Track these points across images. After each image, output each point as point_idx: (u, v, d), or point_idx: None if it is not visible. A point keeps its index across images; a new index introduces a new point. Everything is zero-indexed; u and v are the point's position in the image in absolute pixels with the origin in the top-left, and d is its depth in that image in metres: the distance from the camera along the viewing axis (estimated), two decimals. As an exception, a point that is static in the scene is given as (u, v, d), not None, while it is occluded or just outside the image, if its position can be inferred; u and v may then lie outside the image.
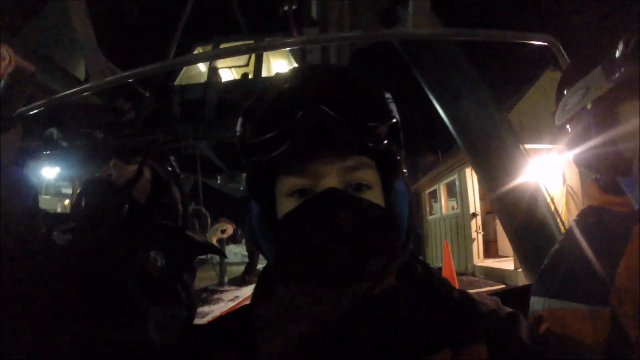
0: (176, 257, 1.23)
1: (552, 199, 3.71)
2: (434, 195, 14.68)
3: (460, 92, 3.46)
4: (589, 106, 0.91)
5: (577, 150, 0.96)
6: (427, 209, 15.25)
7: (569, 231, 0.92)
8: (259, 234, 0.73)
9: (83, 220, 1.24)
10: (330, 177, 0.66)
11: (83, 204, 1.28)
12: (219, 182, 7.13)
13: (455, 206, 12.37)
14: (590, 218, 0.92)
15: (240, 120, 0.73)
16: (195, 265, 1.35)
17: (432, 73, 3.57)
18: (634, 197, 0.84)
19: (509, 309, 0.72)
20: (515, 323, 0.70)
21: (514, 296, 1.50)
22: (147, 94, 6.08)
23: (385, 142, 0.70)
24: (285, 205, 0.68)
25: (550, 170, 8.12)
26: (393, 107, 0.72)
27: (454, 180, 11.82)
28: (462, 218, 11.27)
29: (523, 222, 3.61)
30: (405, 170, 0.76)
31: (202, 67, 6.73)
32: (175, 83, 6.26)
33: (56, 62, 4.05)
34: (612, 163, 0.90)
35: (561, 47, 1.76)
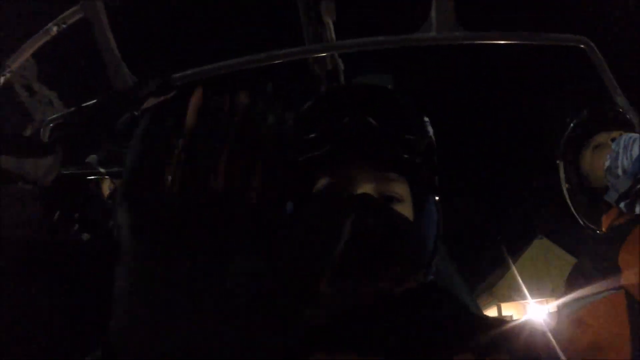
0: None
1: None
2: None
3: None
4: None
5: None
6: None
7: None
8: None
9: None
10: (365, 184, 0.69)
11: None
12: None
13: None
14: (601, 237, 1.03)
15: (293, 120, 0.78)
16: None
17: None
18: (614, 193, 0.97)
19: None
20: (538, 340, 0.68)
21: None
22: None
23: (420, 159, 0.72)
24: None
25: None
26: (430, 129, 0.77)
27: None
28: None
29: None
30: (436, 193, 0.78)
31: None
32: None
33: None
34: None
35: (595, 48, 1.67)
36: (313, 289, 0.67)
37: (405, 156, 0.71)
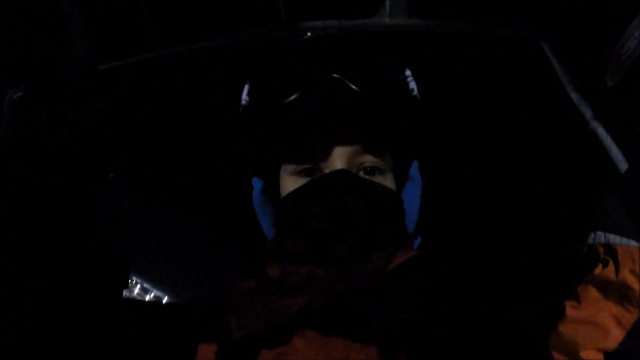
0: None
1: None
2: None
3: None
4: None
5: None
6: None
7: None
8: (259, 212, 0.69)
9: None
10: (341, 158, 0.60)
11: None
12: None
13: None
14: None
15: (246, 87, 0.67)
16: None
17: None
18: None
19: None
20: None
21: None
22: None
23: (401, 121, 0.63)
24: (291, 184, 0.62)
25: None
26: (412, 84, 0.67)
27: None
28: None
29: None
30: (421, 157, 0.71)
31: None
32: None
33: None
34: None
35: (550, 45, 1.62)
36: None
37: (386, 122, 0.61)
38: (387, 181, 0.63)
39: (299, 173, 0.63)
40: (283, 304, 0.55)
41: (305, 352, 0.51)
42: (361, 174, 0.61)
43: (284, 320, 0.54)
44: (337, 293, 0.56)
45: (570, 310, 0.67)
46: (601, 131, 1.17)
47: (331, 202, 0.57)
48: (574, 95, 1.29)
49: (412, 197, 0.68)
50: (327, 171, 0.60)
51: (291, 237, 0.60)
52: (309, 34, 1.47)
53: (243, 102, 0.66)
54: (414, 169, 0.70)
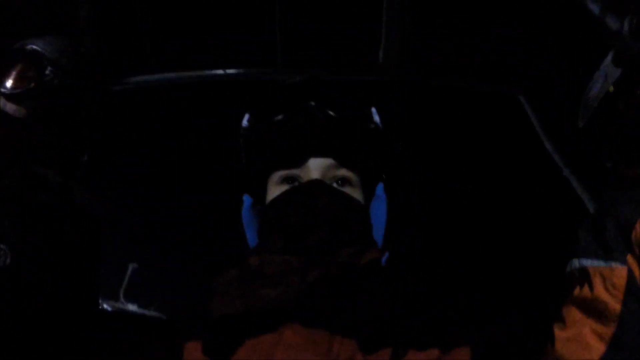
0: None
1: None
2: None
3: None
4: (611, 89, 0.84)
5: None
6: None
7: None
8: (246, 224, 0.81)
9: None
10: (317, 170, 0.73)
11: None
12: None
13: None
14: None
15: (247, 116, 0.82)
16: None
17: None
18: None
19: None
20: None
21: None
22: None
23: (366, 143, 0.77)
24: (274, 191, 0.75)
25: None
26: (377, 118, 0.81)
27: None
28: None
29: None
30: (384, 179, 0.83)
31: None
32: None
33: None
34: None
35: (528, 100, 1.76)
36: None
37: (353, 141, 0.75)
38: (356, 193, 0.76)
39: (282, 182, 0.75)
40: (261, 292, 0.65)
41: (292, 342, 0.59)
42: (334, 184, 0.75)
43: (262, 306, 0.63)
44: (310, 282, 0.65)
45: (557, 332, 0.74)
46: (572, 178, 1.28)
47: (305, 202, 0.71)
48: (548, 145, 1.40)
49: (378, 214, 0.81)
50: (305, 180, 0.74)
51: (271, 234, 0.73)
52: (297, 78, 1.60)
53: (243, 125, 0.82)
54: (380, 189, 0.83)
